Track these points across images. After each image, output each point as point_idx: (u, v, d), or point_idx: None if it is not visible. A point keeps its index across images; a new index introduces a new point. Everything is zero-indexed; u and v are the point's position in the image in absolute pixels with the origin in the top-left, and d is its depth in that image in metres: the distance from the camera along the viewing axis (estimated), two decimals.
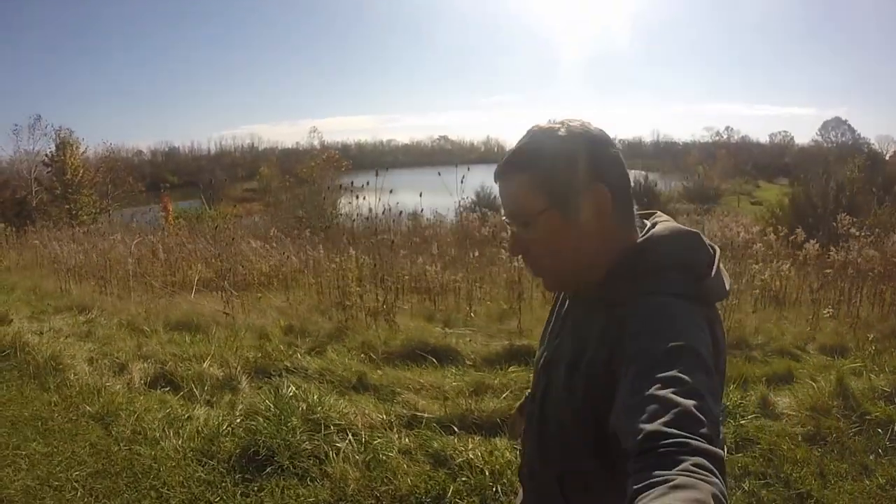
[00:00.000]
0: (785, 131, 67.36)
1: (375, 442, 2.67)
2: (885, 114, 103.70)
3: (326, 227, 10.17)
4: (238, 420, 2.89)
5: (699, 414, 0.65)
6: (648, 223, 0.91)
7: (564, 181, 0.84)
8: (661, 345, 0.72)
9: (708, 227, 8.06)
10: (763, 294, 5.10)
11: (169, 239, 6.84)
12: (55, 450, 2.76)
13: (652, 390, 0.68)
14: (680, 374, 0.68)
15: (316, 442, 2.66)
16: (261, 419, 2.80)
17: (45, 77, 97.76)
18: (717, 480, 0.59)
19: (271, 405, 2.91)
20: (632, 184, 0.90)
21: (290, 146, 72.43)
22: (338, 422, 2.80)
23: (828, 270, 5.23)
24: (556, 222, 0.85)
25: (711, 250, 0.87)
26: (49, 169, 23.68)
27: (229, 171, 48.53)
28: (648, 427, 0.64)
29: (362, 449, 2.64)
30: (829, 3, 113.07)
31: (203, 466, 2.57)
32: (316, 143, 65.08)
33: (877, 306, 5.05)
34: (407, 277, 5.49)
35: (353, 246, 6.21)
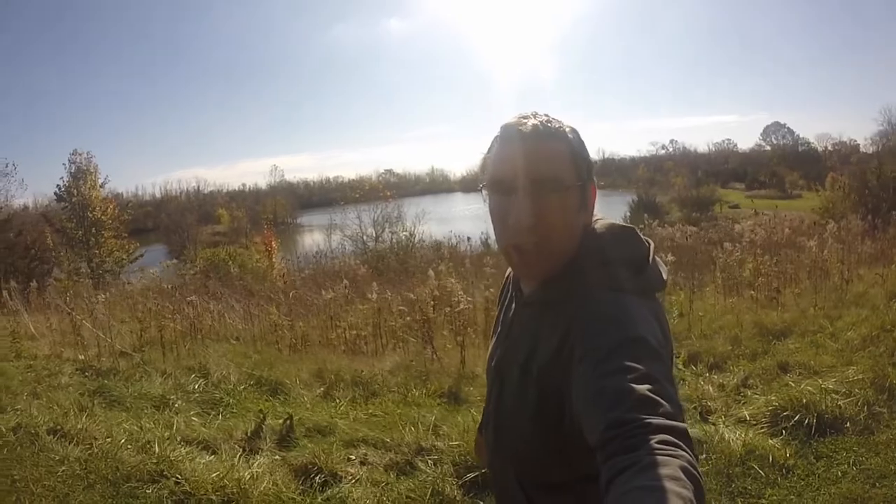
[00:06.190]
0: (728, 139, 73.65)
1: None
2: (806, 113, 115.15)
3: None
4: None
5: (656, 396, 0.66)
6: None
7: (587, 167, 0.87)
8: (611, 338, 0.74)
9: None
10: None
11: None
12: None
13: (608, 382, 0.69)
14: (632, 364, 0.70)
15: None
16: None
17: None
18: (683, 453, 0.60)
19: None
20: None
21: (235, 188, 70.37)
22: None
23: None
24: (575, 202, 0.84)
25: (647, 244, 0.89)
26: (64, 204, 17.13)
27: (178, 215, 45.67)
28: (610, 416, 0.65)
29: None
30: (735, 18, 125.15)
31: None
32: (264, 183, 63.27)
33: None
34: None
35: None
